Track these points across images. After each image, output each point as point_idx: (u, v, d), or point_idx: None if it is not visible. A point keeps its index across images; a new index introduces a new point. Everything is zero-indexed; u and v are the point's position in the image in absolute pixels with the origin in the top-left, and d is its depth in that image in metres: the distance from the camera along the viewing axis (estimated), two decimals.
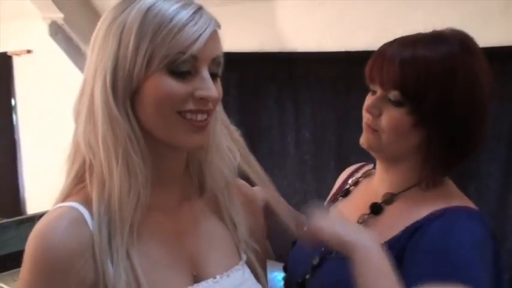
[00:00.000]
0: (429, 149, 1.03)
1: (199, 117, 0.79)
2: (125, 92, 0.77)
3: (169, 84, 0.76)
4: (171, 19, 0.75)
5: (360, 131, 2.62)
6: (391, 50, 1.02)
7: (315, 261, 1.08)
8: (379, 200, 1.10)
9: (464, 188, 1.06)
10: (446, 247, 0.92)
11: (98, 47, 0.79)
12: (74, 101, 0.84)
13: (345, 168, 1.33)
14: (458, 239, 0.93)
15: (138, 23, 0.75)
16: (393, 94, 1.00)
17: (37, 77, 3.87)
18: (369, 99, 1.07)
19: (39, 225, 0.79)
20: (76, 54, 3.48)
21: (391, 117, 1.01)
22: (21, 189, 4.15)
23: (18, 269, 2.52)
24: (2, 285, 2.38)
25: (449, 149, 1.03)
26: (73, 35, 3.35)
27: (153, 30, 0.74)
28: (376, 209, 1.09)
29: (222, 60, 0.83)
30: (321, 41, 2.64)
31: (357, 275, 0.87)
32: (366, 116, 1.07)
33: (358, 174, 1.27)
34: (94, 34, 0.81)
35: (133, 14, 0.76)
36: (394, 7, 2.46)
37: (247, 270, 0.93)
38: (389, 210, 1.08)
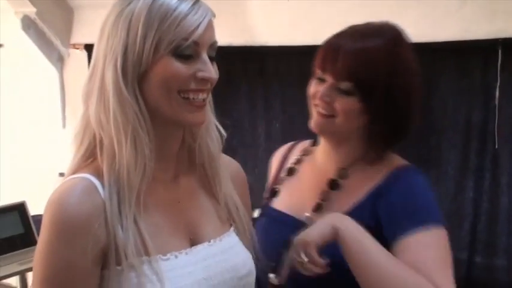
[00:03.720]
0: (373, 130, 1.14)
1: (200, 96, 0.90)
2: (134, 74, 0.85)
3: (176, 65, 0.86)
4: (175, 9, 0.84)
5: None
6: (343, 42, 1.12)
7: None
8: (332, 175, 1.19)
9: (426, 174, 1.17)
10: (413, 199, 1.10)
11: (106, 36, 0.87)
12: (83, 84, 0.90)
13: None
14: (418, 191, 1.12)
15: (145, 13, 0.84)
16: (345, 84, 1.09)
17: (8, 71, 3.86)
18: (316, 87, 1.15)
19: (54, 194, 0.85)
20: (48, 48, 3.49)
21: (343, 105, 1.11)
22: None
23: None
24: None
25: (389, 130, 1.15)
26: (46, 29, 3.37)
27: (159, 19, 0.84)
28: (334, 185, 1.18)
29: (217, 45, 0.93)
30: (290, 35, 2.74)
31: (349, 254, 1.01)
32: (318, 103, 1.14)
33: (297, 152, 1.34)
34: (101, 25, 0.88)
35: (140, 5, 0.85)
36: (359, 4, 2.57)
37: (236, 237, 1.03)
38: (346, 183, 1.18)
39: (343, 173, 1.18)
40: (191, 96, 0.89)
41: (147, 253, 0.86)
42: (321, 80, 1.14)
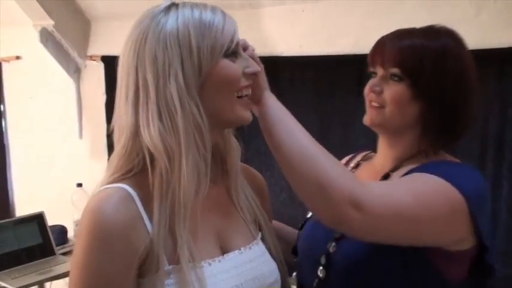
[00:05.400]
0: (426, 121, 1.14)
1: (249, 91, 0.96)
2: (195, 85, 0.89)
3: (231, 64, 0.92)
4: (213, 19, 0.90)
5: (342, 132, 2.70)
6: (391, 38, 1.16)
7: (331, 248, 1.12)
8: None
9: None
10: (446, 165, 1.14)
11: (149, 58, 0.88)
12: (130, 103, 0.90)
13: None
14: (457, 165, 1.16)
15: (192, 27, 0.88)
16: (393, 71, 1.12)
17: (26, 83, 3.90)
18: (369, 83, 1.18)
19: (91, 202, 0.86)
20: (65, 59, 3.54)
21: (392, 92, 1.12)
22: (10, 193, 4.17)
23: (15, 268, 2.60)
24: (1, 283, 2.41)
25: (443, 123, 1.14)
26: (63, 42, 3.42)
27: (208, 29, 0.89)
28: (385, 178, 1.18)
29: None
30: (304, 46, 2.75)
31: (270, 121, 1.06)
32: (369, 96, 1.17)
33: (358, 158, 1.36)
34: (135, 47, 0.89)
35: (182, 22, 0.89)
36: (373, 13, 2.57)
37: (263, 246, 1.05)
38: (395, 175, 1.17)
39: (396, 166, 1.18)
40: (244, 92, 0.94)
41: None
42: (374, 75, 1.18)
